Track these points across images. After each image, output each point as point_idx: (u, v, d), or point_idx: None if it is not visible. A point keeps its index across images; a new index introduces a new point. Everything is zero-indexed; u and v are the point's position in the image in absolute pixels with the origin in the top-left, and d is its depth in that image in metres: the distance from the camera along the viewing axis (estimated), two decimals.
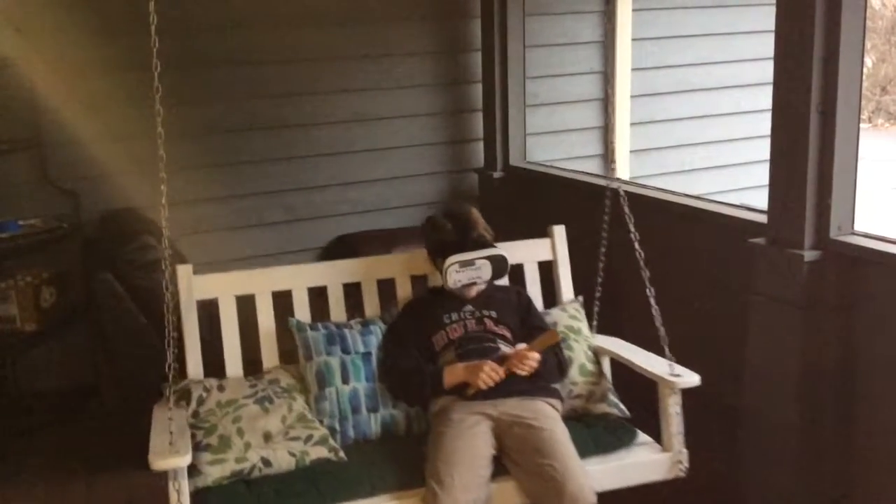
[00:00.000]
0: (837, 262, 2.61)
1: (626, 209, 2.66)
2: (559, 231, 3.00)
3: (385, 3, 4.41)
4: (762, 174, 2.82)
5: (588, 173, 4.42)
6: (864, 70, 2.66)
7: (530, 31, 4.48)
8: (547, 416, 2.52)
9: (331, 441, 2.50)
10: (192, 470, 2.29)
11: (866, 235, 2.64)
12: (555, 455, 2.37)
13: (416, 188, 4.63)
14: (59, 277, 3.82)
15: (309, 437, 2.47)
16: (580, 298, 2.98)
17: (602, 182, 3.85)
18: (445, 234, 2.72)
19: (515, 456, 2.43)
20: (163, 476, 2.22)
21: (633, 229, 2.63)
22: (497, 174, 4.49)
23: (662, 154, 5.19)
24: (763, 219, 2.81)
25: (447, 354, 2.66)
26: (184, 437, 2.28)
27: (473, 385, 2.53)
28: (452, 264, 2.63)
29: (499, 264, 2.69)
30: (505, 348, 2.64)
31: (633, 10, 4.87)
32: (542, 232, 3.07)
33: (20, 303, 3.66)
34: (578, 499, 2.29)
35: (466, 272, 2.66)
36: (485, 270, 2.67)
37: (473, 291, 2.73)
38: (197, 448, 2.35)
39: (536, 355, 2.56)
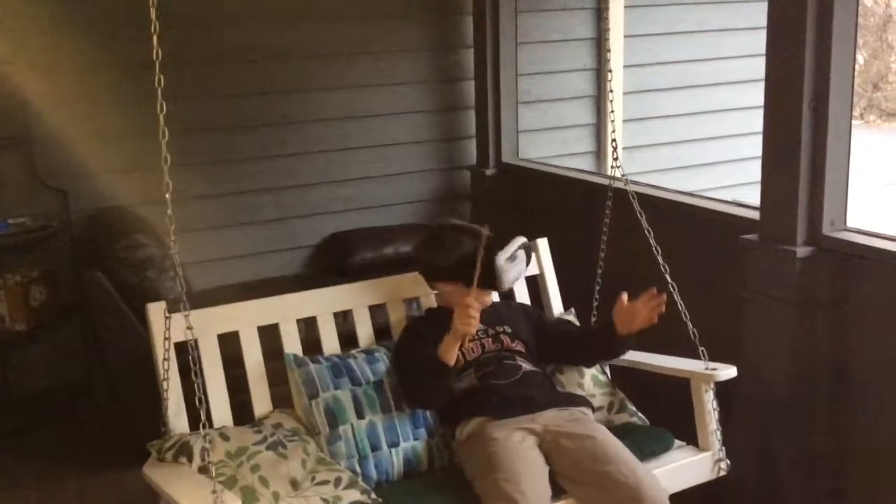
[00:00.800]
0: (830, 258, 2.61)
1: (637, 205, 2.64)
2: (543, 244, 2.92)
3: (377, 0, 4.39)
4: (755, 171, 2.82)
5: (581, 170, 4.42)
6: (857, 67, 2.66)
7: (523, 27, 4.46)
8: (589, 423, 2.40)
9: (361, 482, 2.29)
10: None
11: (859, 231, 2.64)
12: (618, 460, 2.21)
13: (409, 185, 4.61)
14: (48, 276, 3.79)
15: (338, 481, 2.25)
16: (572, 310, 2.93)
17: (597, 180, 3.87)
18: (464, 246, 2.49)
19: (572, 470, 2.25)
20: None
21: (646, 225, 2.60)
22: (490, 171, 4.47)
23: (655, 151, 5.18)
24: (756, 215, 2.81)
25: (465, 378, 2.47)
26: (224, 490, 2.03)
27: (462, 332, 2.30)
28: (502, 263, 2.44)
29: (529, 251, 2.58)
30: (526, 366, 2.49)
31: (626, 7, 4.86)
32: (535, 230, 3.06)
33: (9, 302, 3.63)
34: (657, 501, 2.14)
35: (515, 266, 2.50)
36: (523, 262, 2.55)
37: (490, 299, 2.59)
38: None
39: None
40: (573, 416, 2.41)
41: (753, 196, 2.89)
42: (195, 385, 2.08)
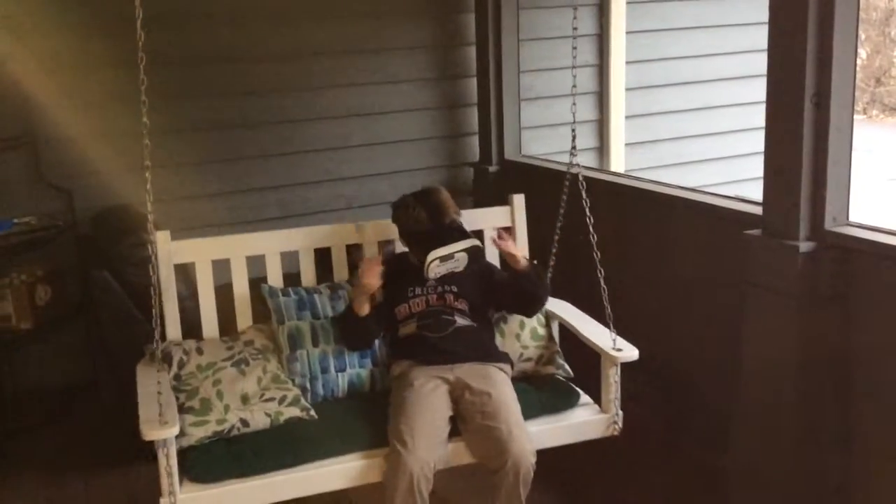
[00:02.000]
0: (832, 252, 2.62)
1: (584, 193, 2.81)
2: (518, 199, 3.20)
3: None
4: (757, 166, 2.82)
5: (584, 166, 4.41)
6: (859, 61, 2.67)
7: (524, 24, 4.47)
8: (496, 381, 2.71)
9: (303, 401, 2.69)
10: None
11: (861, 226, 2.64)
12: (499, 418, 2.56)
13: (412, 183, 4.58)
14: (54, 275, 3.81)
15: (283, 399, 2.65)
16: (535, 262, 3.08)
17: (596, 175, 3.88)
18: (420, 224, 2.84)
19: (466, 418, 2.62)
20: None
21: (588, 212, 2.77)
22: (492, 168, 4.48)
23: (658, 147, 5.19)
24: (758, 210, 2.81)
25: (408, 325, 2.85)
26: (171, 407, 2.41)
27: (364, 286, 2.78)
28: (433, 260, 2.73)
29: (475, 254, 2.80)
30: (461, 321, 2.82)
31: (627, 3, 4.87)
32: (538, 225, 3.07)
33: (15, 301, 3.65)
34: (520, 458, 2.48)
35: (446, 264, 2.76)
36: (462, 262, 2.78)
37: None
38: (180, 410, 2.51)
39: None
40: (487, 371, 2.75)
41: (755, 191, 2.90)
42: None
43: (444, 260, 2.75)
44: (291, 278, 3.05)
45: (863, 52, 12.61)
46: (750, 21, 5.07)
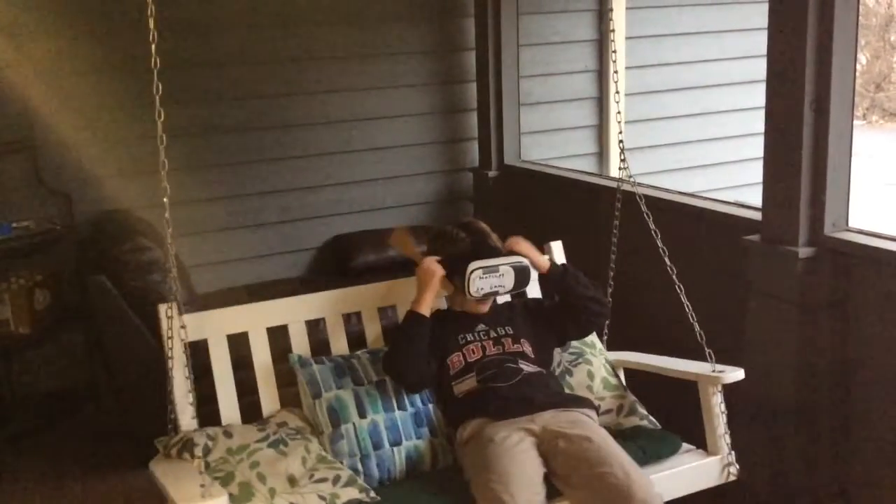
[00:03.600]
0: (832, 258, 2.61)
1: (644, 207, 2.66)
2: (557, 247, 2.91)
3: (379, 2, 4.40)
4: (757, 172, 2.82)
5: (584, 172, 4.42)
6: (859, 67, 2.67)
7: (524, 29, 4.47)
8: (588, 425, 2.40)
9: (359, 481, 2.31)
10: None
11: (860, 232, 2.64)
12: (612, 461, 2.22)
13: (412, 188, 4.62)
14: (52, 279, 3.80)
15: (337, 479, 2.26)
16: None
17: (600, 181, 3.88)
18: (461, 245, 2.60)
19: (567, 472, 2.27)
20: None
21: (653, 226, 2.63)
22: (492, 173, 4.48)
23: (657, 152, 5.19)
24: (758, 216, 2.81)
25: (466, 382, 2.51)
26: (215, 485, 2.10)
27: (429, 278, 2.52)
28: (475, 269, 2.47)
29: (522, 273, 2.54)
30: (528, 368, 2.52)
31: (627, 9, 4.87)
32: (538, 231, 3.05)
33: (14, 305, 3.64)
34: (648, 501, 2.15)
35: (489, 279, 2.49)
36: (507, 278, 2.52)
37: (487, 306, 2.62)
38: None
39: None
40: (573, 417, 2.42)
41: (755, 197, 2.89)
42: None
43: (487, 272, 2.48)
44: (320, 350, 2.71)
45: (863, 58, 12.62)
46: (750, 27, 5.07)
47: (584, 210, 2.96)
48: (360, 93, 4.41)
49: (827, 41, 2.52)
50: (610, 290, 2.69)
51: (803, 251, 2.61)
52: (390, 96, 4.48)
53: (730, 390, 2.86)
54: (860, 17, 2.61)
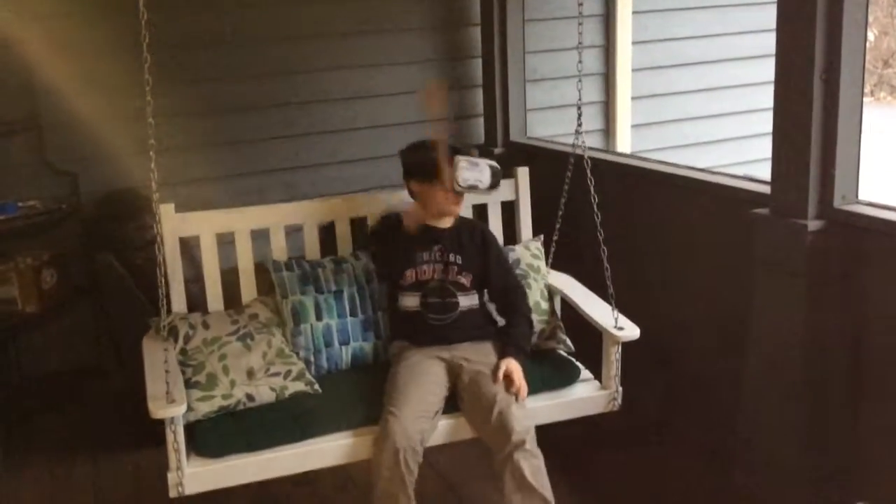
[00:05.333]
0: (841, 231, 2.60)
1: (589, 172, 2.81)
2: (522, 172, 3.21)
3: None
4: (767, 148, 2.79)
5: (590, 147, 4.38)
6: (867, 43, 2.63)
7: (529, 4, 4.43)
8: (491, 356, 2.73)
9: (307, 375, 2.71)
10: None
11: (870, 204, 2.62)
12: (497, 392, 2.58)
13: None
14: (59, 259, 3.81)
15: (288, 373, 2.67)
16: (541, 237, 3.14)
17: (601, 156, 3.85)
18: (441, 147, 2.75)
19: (465, 398, 2.64)
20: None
21: (592, 191, 2.79)
22: (498, 150, 4.46)
23: (665, 128, 5.16)
24: (767, 189, 2.79)
25: (411, 297, 2.82)
26: (178, 384, 2.43)
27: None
28: (462, 161, 2.67)
29: (496, 173, 2.73)
30: (464, 302, 2.81)
31: None
32: (544, 205, 3.05)
33: (21, 285, 3.65)
34: (520, 444, 2.46)
35: (473, 172, 2.68)
36: (486, 175, 2.71)
37: (460, 207, 2.84)
38: (187, 385, 2.53)
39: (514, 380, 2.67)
40: (484, 348, 2.78)
41: (764, 172, 2.87)
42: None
43: (470, 165, 2.68)
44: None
45: (871, 34, 12.52)
46: (758, 0, 5.02)
47: (586, 182, 2.96)
48: (365, 69, 4.38)
49: (837, 11, 2.49)
50: (605, 257, 2.79)
51: (812, 224, 2.59)
52: (395, 73, 4.45)
53: (734, 365, 2.87)
54: None
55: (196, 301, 2.91)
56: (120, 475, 3.33)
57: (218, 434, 2.50)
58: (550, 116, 4.74)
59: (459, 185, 2.68)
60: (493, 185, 2.74)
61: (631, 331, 2.73)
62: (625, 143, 5.00)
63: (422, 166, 2.78)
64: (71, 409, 3.86)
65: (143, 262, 3.30)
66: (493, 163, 2.74)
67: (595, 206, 2.78)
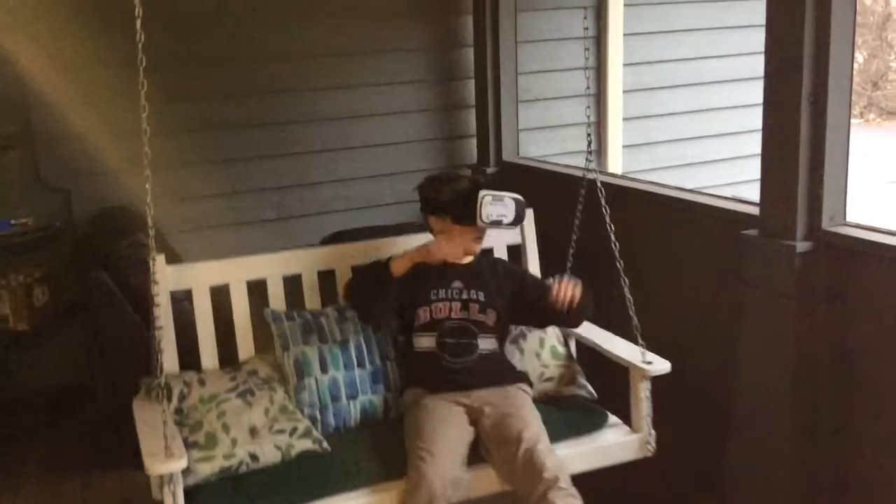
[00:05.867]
0: (830, 252, 2.61)
1: (603, 200, 2.72)
2: (528, 214, 3.02)
3: None
4: (754, 168, 2.82)
5: (582, 168, 4.41)
6: (856, 66, 2.67)
7: (522, 26, 4.48)
8: (515, 399, 2.58)
9: (314, 433, 2.52)
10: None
11: (858, 226, 2.64)
12: (523, 439, 2.39)
13: (410, 184, 4.56)
14: (51, 276, 3.80)
15: (294, 430, 2.49)
16: (550, 280, 2.99)
17: (592, 176, 3.87)
18: (462, 182, 2.69)
19: (490, 444, 2.47)
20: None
21: (608, 220, 2.70)
22: (490, 170, 4.48)
23: (656, 149, 5.19)
24: (755, 210, 2.81)
25: (426, 338, 2.65)
26: (177, 439, 2.25)
27: (430, 251, 2.63)
28: (486, 196, 2.54)
29: (521, 206, 2.60)
30: (484, 346, 2.65)
31: (625, 5, 4.88)
32: (537, 228, 3.06)
33: (12, 302, 3.65)
34: (554, 481, 2.29)
35: (496, 207, 2.55)
36: (510, 209, 2.57)
37: (479, 246, 2.72)
38: (184, 445, 2.32)
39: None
40: (505, 392, 2.60)
41: (753, 194, 2.90)
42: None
43: (494, 200, 2.54)
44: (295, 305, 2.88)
45: (860, 56, 12.64)
46: (747, 23, 5.07)
47: (581, 205, 2.97)
48: (360, 89, 4.41)
49: (824, 35, 2.52)
50: (626, 287, 2.71)
51: (801, 245, 2.61)
52: (389, 93, 4.48)
53: (726, 384, 2.87)
54: (857, 16, 2.61)
55: (185, 358, 2.72)
56: (108, 494, 3.32)
57: (222, 499, 2.30)
58: (539, 136, 4.77)
59: (483, 221, 2.55)
60: (518, 221, 2.62)
61: (660, 364, 2.59)
62: (616, 163, 5.04)
63: (443, 203, 2.66)
64: (61, 427, 3.85)
65: (136, 281, 3.30)
66: (518, 196, 2.61)
67: (612, 235, 2.65)
